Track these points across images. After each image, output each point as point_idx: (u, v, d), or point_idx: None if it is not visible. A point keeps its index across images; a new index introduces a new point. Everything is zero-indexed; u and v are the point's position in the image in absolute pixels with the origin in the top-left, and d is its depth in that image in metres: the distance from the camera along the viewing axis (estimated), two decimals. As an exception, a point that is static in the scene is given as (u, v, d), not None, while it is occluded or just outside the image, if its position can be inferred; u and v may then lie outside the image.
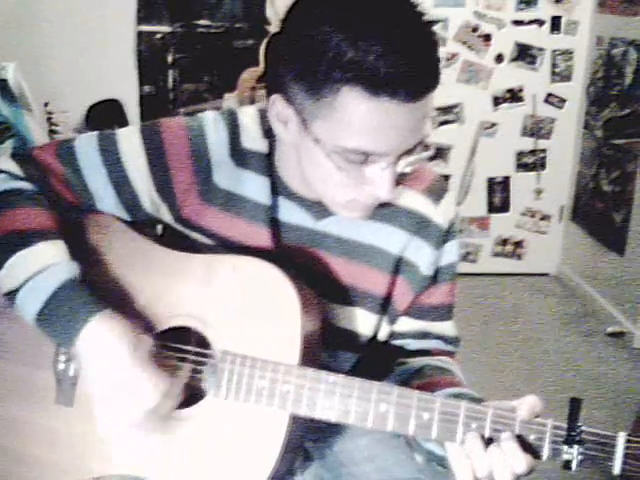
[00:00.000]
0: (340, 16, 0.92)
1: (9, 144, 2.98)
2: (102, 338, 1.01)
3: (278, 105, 1.02)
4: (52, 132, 3.59)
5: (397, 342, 1.23)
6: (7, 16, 3.63)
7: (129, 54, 3.95)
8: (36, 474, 1.11)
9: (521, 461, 0.91)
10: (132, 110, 3.98)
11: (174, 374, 1.04)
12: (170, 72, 3.99)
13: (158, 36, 3.93)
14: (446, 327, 1.24)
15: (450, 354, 1.24)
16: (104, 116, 3.84)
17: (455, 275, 1.22)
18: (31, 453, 1.11)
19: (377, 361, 1.25)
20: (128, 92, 3.97)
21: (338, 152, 0.97)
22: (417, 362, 1.19)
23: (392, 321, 1.21)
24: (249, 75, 3.85)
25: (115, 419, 1.01)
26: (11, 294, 1.04)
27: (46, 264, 1.03)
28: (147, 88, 4.00)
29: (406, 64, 0.90)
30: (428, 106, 0.96)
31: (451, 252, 1.20)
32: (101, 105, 3.92)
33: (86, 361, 1.02)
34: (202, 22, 3.93)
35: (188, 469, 1.05)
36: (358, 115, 0.92)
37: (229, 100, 3.93)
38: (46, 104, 3.61)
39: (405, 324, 1.22)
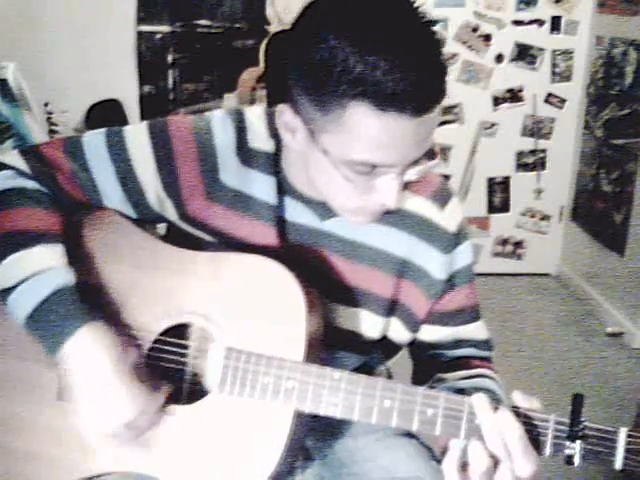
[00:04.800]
0: (347, 30, 0.91)
1: (9, 144, 2.99)
2: (88, 348, 1.01)
3: (286, 115, 1.02)
4: (52, 132, 3.59)
5: (431, 353, 1.23)
6: (7, 16, 3.63)
7: (129, 54, 3.94)
8: (36, 471, 1.10)
9: (522, 439, 0.91)
10: (132, 110, 3.98)
11: (156, 390, 1.05)
12: (170, 72, 3.99)
13: (158, 36, 3.93)
14: (476, 329, 1.24)
15: (486, 360, 1.24)
16: (104, 116, 3.85)
17: (473, 276, 1.22)
18: (32, 450, 1.11)
19: (415, 375, 1.26)
20: (128, 92, 3.97)
21: (346, 164, 0.97)
22: (456, 384, 1.17)
23: (413, 329, 1.21)
24: (249, 75, 3.86)
25: (95, 426, 1.03)
26: (4, 293, 1.04)
27: (42, 268, 1.03)
28: (147, 88, 4.00)
29: (413, 79, 0.89)
30: (435, 118, 0.96)
31: (465, 255, 1.20)
32: (101, 105, 3.92)
33: (70, 368, 1.02)
34: (202, 22, 3.92)
35: (190, 466, 1.05)
36: (366, 129, 0.93)
37: (229, 100, 3.93)
38: (46, 104, 3.62)
39: (434, 333, 1.22)
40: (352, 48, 0.89)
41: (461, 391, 1.13)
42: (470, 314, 1.23)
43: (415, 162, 0.99)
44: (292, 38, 0.99)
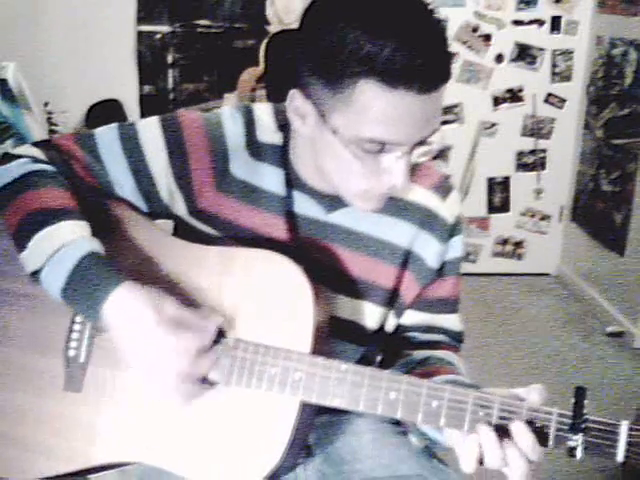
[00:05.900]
0: (357, 13, 0.95)
1: (9, 144, 2.99)
2: (128, 305, 1.00)
3: (297, 100, 1.05)
4: (52, 132, 3.59)
5: (403, 335, 1.25)
6: (7, 16, 3.64)
7: (129, 54, 3.95)
8: (34, 460, 1.10)
9: (535, 445, 0.91)
10: (132, 110, 3.98)
11: (202, 330, 1.03)
12: (170, 72, 4.00)
13: (158, 36, 3.94)
14: (452, 320, 1.26)
15: (454, 348, 1.26)
16: (104, 116, 3.85)
17: (460, 269, 1.25)
18: (38, 440, 1.11)
19: (384, 353, 1.27)
20: (128, 92, 3.98)
21: (355, 142, 1.00)
22: (422, 353, 1.21)
23: (399, 314, 1.23)
24: (249, 75, 3.86)
25: (162, 381, 1.01)
26: (36, 274, 1.04)
27: (69, 239, 1.04)
28: (147, 88, 4.01)
29: (420, 57, 0.93)
30: (441, 99, 0.99)
31: (457, 247, 1.23)
32: (101, 105, 3.92)
33: (116, 331, 1.01)
34: (202, 22, 3.93)
35: (193, 456, 1.05)
36: (375, 106, 0.96)
37: (229, 100, 3.93)
38: (46, 104, 3.62)
39: (411, 316, 1.24)
40: (361, 29, 0.93)
41: (426, 359, 1.19)
42: (450, 305, 1.26)
43: (422, 143, 1.01)
44: (302, 25, 1.02)
